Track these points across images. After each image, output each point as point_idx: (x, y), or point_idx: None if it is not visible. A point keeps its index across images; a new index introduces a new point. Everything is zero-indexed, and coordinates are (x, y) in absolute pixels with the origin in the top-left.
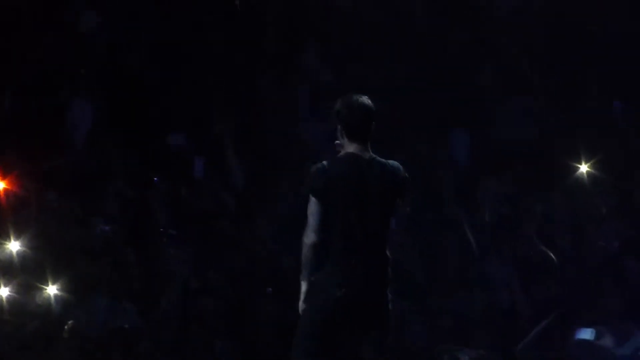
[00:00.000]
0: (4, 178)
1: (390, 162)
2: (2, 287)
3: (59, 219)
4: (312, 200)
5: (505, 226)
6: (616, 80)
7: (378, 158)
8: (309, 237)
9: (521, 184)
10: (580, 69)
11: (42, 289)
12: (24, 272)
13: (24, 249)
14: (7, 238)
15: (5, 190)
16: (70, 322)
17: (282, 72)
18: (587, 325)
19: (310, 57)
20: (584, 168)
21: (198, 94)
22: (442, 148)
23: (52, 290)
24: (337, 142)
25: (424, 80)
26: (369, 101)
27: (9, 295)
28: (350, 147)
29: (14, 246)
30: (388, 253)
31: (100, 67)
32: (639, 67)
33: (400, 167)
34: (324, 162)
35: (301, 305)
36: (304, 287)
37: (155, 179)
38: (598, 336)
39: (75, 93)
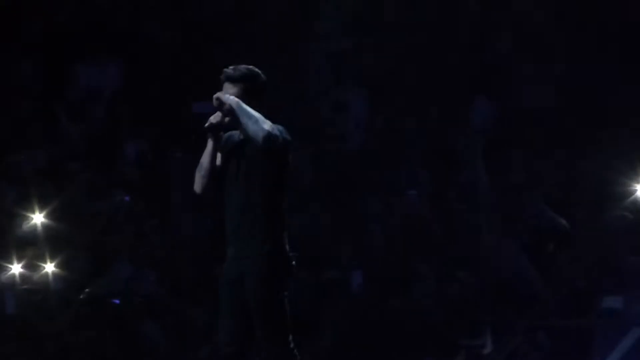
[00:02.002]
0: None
1: None
2: (27, 258)
3: (81, 190)
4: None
5: (522, 194)
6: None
7: None
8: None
9: (540, 151)
10: (600, 30)
11: (64, 259)
12: (48, 243)
13: (47, 220)
14: (32, 210)
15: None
16: (87, 289)
17: (297, 39)
18: (614, 294)
19: (326, 25)
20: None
21: (219, 62)
22: (462, 115)
23: (73, 259)
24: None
25: (443, 47)
26: None
27: (33, 265)
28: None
29: (38, 218)
30: None
31: (120, 33)
32: None
33: None
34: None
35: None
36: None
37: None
38: (626, 304)
39: (96, 60)
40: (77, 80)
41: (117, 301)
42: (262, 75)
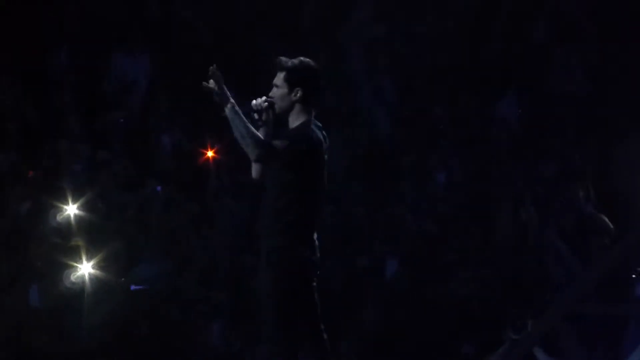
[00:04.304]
0: None
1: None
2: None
3: (114, 180)
4: (293, 159)
5: (563, 189)
6: None
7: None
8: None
9: (572, 142)
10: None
11: (97, 250)
12: (80, 234)
13: (80, 212)
14: (66, 202)
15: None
16: (122, 279)
17: (333, 28)
18: None
19: (362, 11)
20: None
21: (250, 51)
22: (494, 105)
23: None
24: (270, 98)
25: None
26: None
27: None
28: (306, 113)
29: (71, 209)
30: None
31: (153, 23)
32: None
33: None
34: (306, 127)
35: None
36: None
37: (158, 188)
38: None
39: (129, 49)
40: (112, 71)
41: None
42: (311, 68)
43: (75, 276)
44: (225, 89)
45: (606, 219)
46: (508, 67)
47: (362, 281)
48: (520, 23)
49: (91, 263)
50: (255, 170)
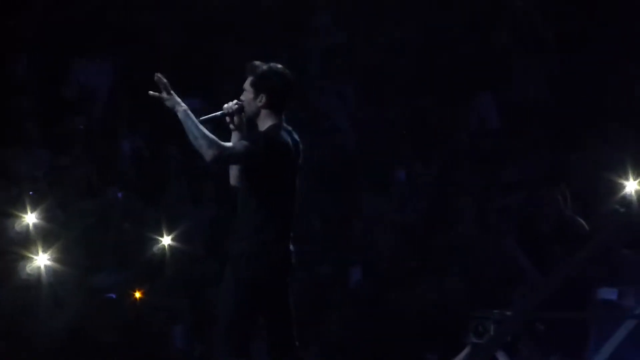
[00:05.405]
0: None
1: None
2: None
3: (74, 187)
4: (251, 159)
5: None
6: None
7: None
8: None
9: (540, 145)
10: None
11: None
12: (41, 242)
13: (40, 221)
14: (24, 210)
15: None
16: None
17: (294, 34)
18: (610, 286)
19: (322, 18)
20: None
21: (212, 58)
22: (460, 110)
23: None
24: (241, 100)
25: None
26: None
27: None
28: (273, 118)
29: (30, 218)
30: None
31: (115, 28)
32: None
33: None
34: (271, 130)
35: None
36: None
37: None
38: (620, 296)
39: (93, 56)
40: (74, 77)
41: (113, 295)
42: (278, 74)
43: (31, 267)
44: (174, 93)
45: (584, 223)
46: (471, 72)
47: (324, 289)
48: (482, 28)
49: (50, 265)
50: (232, 177)
